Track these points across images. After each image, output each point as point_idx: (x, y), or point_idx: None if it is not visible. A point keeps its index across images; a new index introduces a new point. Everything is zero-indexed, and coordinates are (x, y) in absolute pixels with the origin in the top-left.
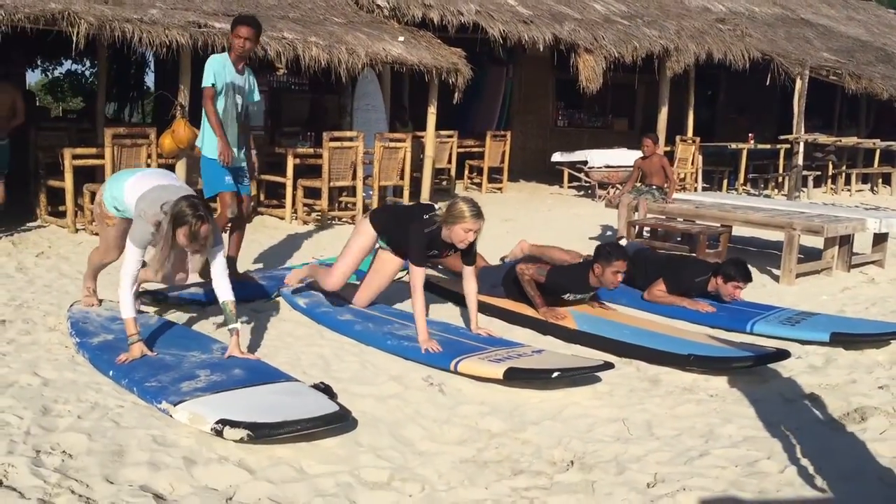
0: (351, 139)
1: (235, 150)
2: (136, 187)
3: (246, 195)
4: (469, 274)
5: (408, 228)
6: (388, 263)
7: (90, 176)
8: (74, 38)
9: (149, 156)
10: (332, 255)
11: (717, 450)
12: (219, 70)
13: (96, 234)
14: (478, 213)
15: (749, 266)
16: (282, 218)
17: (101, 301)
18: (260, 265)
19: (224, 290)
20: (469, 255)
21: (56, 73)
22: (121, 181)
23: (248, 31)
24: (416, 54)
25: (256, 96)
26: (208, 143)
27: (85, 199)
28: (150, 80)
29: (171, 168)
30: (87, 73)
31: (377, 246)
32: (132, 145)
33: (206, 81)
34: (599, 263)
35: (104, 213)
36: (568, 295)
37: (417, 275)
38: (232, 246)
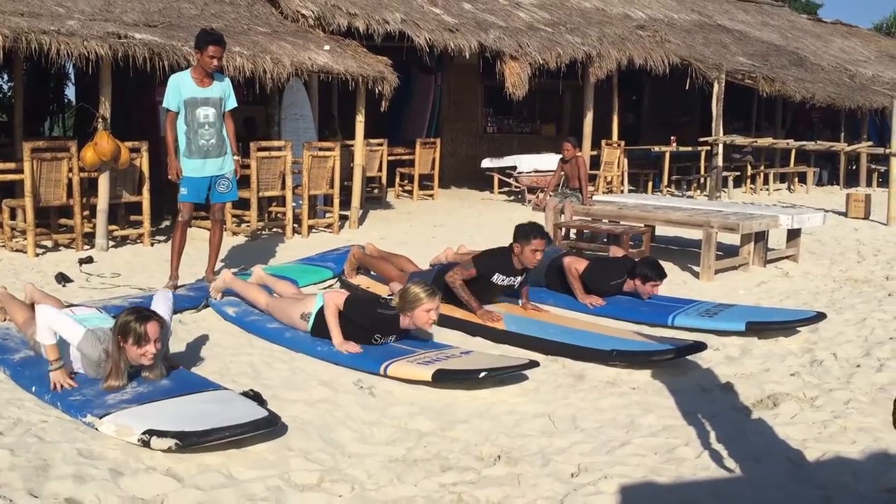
0: (279, 149)
1: (209, 160)
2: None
3: (218, 202)
4: None
5: (355, 320)
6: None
7: (9, 191)
8: None
9: (70, 169)
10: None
11: (638, 439)
12: (174, 89)
13: (17, 250)
14: (432, 291)
15: (668, 263)
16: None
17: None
18: (189, 277)
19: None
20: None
21: None
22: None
23: (219, 50)
24: (343, 63)
25: (231, 103)
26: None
27: (4, 216)
28: (70, 92)
29: (95, 181)
30: (5, 86)
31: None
32: (52, 159)
33: (164, 103)
34: (519, 243)
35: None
36: (497, 276)
37: (331, 311)
38: (211, 248)
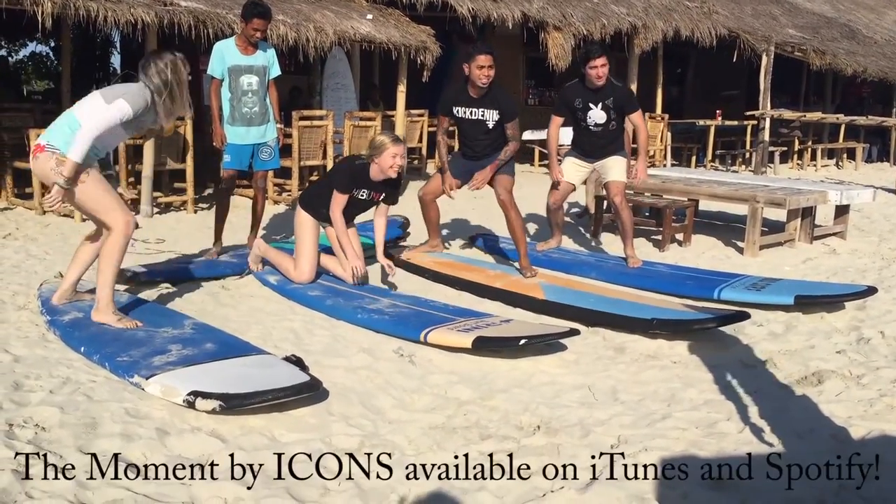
0: (321, 118)
1: (252, 128)
2: (91, 102)
3: (261, 170)
4: (382, 211)
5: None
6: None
7: None
8: (39, 18)
9: None
10: None
11: (679, 413)
12: (218, 57)
13: (65, 215)
14: (397, 138)
15: (712, 238)
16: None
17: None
18: (232, 244)
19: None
20: (392, 196)
21: (21, 55)
22: (66, 117)
23: (263, 23)
24: (385, 32)
25: (275, 71)
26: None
27: None
28: (115, 60)
29: (140, 148)
30: (52, 54)
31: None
32: None
33: (208, 71)
34: (466, 63)
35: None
36: (456, 110)
37: (337, 199)
38: (253, 217)
